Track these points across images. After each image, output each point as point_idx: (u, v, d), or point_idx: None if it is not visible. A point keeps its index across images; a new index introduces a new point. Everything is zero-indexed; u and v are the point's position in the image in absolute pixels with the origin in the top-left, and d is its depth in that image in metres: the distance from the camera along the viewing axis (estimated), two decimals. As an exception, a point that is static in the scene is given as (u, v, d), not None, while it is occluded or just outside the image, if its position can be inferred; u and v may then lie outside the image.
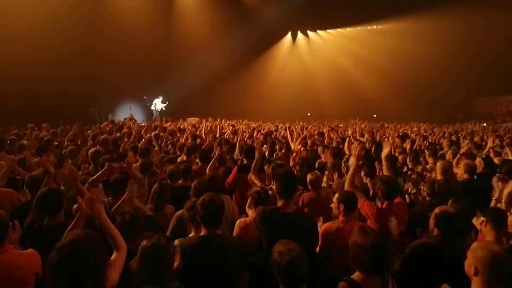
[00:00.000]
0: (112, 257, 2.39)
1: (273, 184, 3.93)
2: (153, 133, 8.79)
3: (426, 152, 6.26)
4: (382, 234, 2.68)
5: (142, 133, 9.29)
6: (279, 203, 3.23)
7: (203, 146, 7.11)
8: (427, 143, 8.74)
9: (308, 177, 4.49)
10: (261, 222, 3.15)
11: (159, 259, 2.36)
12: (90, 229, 2.22)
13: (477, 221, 3.07)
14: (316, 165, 5.92)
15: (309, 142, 7.85)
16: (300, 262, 2.33)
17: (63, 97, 15.30)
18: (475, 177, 4.88)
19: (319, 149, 7.35)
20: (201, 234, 2.95)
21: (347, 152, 6.86)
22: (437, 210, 3.11)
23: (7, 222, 2.61)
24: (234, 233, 3.57)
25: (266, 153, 6.77)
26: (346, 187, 3.86)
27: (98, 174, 4.55)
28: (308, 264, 2.37)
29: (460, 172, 5.04)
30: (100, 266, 2.04)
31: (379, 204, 3.78)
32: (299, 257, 2.34)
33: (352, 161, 4.74)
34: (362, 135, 10.24)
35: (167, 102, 21.28)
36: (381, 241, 2.47)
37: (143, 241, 2.43)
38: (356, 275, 2.47)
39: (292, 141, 8.26)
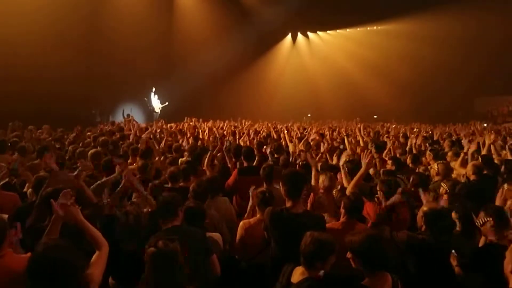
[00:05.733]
0: (94, 256, 2.41)
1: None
2: (152, 135, 8.79)
3: (429, 154, 6.22)
4: (376, 232, 2.70)
5: (144, 134, 9.24)
6: (288, 204, 3.23)
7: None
8: (427, 144, 8.69)
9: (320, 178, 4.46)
10: (270, 223, 3.15)
11: (170, 265, 2.31)
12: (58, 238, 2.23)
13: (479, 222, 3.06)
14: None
15: (312, 144, 7.80)
16: None
17: (64, 99, 15.31)
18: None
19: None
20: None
21: (349, 153, 6.82)
22: (425, 208, 3.14)
23: (6, 226, 2.59)
24: (238, 235, 3.56)
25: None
26: (349, 190, 3.85)
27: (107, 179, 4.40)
28: None
29: (468, 172, 5.01)
30: (74, 271, 2.05)
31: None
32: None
33: (343, 160, 4.73)
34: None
35: (166, 103, 21.22)
36: (372, 239, 2.50)
37: (150, 248, 2.37)
38: (365, 280, 2.50)
39: (290, 142, 8.23)
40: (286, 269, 2.71)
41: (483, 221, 3.00)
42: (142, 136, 8.48)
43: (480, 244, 3.13)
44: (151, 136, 8.46)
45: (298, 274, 2.60)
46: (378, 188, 4.05)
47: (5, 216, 3.40)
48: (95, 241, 2.49)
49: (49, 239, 2.21)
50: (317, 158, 6.25)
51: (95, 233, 2.53)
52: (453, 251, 3.00)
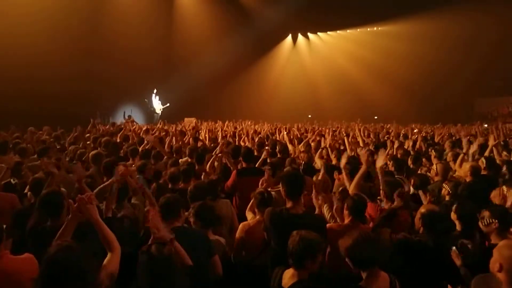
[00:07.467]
0: (106, 259, 2.38)
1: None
2: (155, 135, 8.79)
3: (433, 154, 6.20)
4: (360, 232, 2.71)
5: (149, 135, 9.24)
6: (288, 205, 3.22)
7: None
8: (427, 145, 8.67)
9: (314, 179, 4.45)
10: (270, 223, 3.14)
11: (166, 270, 2.26)
12: (71, 241, 2.18)
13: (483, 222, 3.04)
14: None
15: (313, 145, 7.80)
16: None
17: (65, 99, 15.39)
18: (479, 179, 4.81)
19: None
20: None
21: (349, 153, 6.80)
22: (422, 209, 3.13)
23: (2, 228, 2.58)
24: (238, 236, 3.55)
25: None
26: (351, 191, 3.84)
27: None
28: None
29: (463, 173, 4.99)
30: (86, 275, 2.02)
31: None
32: None
33: (343, 161, 4.72)
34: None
35: (167, 104, 21.26)
36: (357, 238, 2.53)
37: (141, 256, 2.31)
38: (362, 282, 2.51)
39: (290, 142, 8.22)
40: (276, 273, 2.69)
41: (488, 221, 2.99)
42: (148, 138, 8.50)
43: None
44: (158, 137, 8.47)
45: (288, 277, 2.58)
46: (381, 188, 4.04)
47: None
48: (108, 243, 2.45)
49: (62, 242, 2.16)
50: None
51: (109, 235, 2.48)
52: (454, 248, 2.99)
